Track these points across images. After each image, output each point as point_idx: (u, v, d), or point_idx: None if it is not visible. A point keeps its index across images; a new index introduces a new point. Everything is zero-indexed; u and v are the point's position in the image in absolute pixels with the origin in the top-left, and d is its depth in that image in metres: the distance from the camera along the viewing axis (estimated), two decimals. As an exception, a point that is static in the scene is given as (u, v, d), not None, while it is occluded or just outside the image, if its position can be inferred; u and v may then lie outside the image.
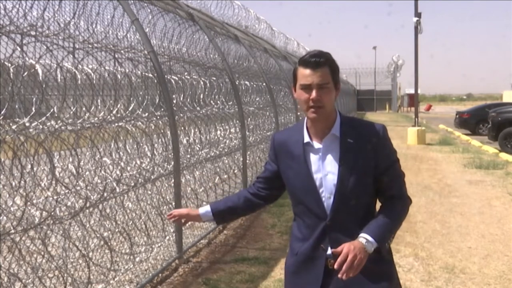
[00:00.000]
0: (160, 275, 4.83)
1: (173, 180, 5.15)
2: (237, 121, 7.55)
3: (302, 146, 2.17)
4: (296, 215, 2.29)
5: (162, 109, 5.10)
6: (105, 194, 3.96)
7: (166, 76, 5.22)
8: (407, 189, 2.26)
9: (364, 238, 2.02)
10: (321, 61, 2.07)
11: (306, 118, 2.19)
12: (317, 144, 2.15)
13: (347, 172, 2.08)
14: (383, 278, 2.15)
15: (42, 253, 3.46)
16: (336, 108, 2.22)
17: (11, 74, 3.23)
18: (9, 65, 3.22)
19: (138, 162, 4.54)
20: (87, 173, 4.08)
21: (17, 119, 3.24)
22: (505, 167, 11.83)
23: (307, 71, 2.08)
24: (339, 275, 1.93)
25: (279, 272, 4.94)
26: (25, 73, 3.34)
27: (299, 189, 2.18)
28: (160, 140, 5.11)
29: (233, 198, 2.48)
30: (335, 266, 1.94)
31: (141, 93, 4.85)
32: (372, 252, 2.04)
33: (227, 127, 7.16)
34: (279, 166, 2.27)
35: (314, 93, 2.06)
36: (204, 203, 6.20)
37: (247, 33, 10.66)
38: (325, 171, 2.12)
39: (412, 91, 41.05)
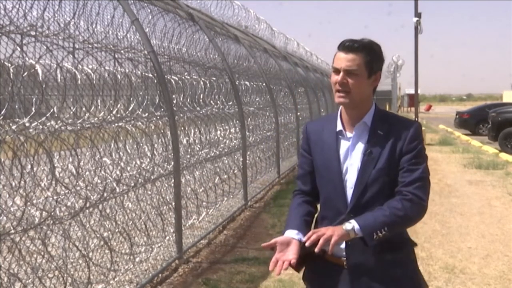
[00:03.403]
0: (160, 275, 4.82)
1: (173, 180, 5.15)
2: (237, 121, 7.54)
3: (335, 134, 2.14)
4: (321, 209, 2.23)
5: (162, 109, 5.09)
6: (105, 194, 3.96)
7: (166, 76, 5.22)
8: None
9: (349, 222, 1.98)
10: (354, 46, 2.01)
11: (340, 107, 2.16)
12: (349, 133, 2.12)
13: (370, 163, 2.04)
14: (389, 283, 2.10)
15: (42, 253, 3.46)
16: (373, 100, 2.15)
17: (11, 74, 3.22)
18: (9, 65, 3.22)
19: (138, 162, 4.53)
20: (87, 173, 4.08)
21: (17, 119, 3.24)
22: (505, 167, 11.83)
23: (340, 54, 2.05)
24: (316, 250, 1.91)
25: (279, 272, 4.93)
26: (25, 73, 3.34)
27: (326, 178, 2.15)
28: (160, 140, 5.11)
29: (300, 210, 2.22)
30: (307, 244, 1.95)
31: (141, 93, 4.85)
32: (390, 255, 2.04)
33: (227, 127, 7.16)
34: (313, 156, 2.21)
35: (339, 77, 2.03)
36: (204, 203, 6.21)
37: (247, 33, 10.66)
38: (351, 160, 2.09)
39: (412, 91, 41.05)
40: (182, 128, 5.70)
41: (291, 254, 2.00)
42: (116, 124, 4.28)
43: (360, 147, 2.08)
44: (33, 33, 3.41)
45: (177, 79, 5.64)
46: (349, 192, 2.08)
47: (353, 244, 2.03)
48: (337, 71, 2.05)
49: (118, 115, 4.27)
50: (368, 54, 2.04)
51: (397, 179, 2.05)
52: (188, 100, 5.86)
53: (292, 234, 2.07)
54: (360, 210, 2.04)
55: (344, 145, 2.12)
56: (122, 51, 4.63)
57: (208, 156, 6.31)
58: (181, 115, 5.64)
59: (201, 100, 6.22)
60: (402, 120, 2.15)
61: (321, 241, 1.91)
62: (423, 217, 2.09)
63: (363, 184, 2.05)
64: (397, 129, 2.08)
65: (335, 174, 2.10)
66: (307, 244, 1.96)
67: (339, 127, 2.14)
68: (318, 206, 2.29)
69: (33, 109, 3.32)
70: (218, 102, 6.82)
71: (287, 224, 2.16)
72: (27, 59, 3.34)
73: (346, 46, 2.03)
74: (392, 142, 2.05)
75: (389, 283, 2.09)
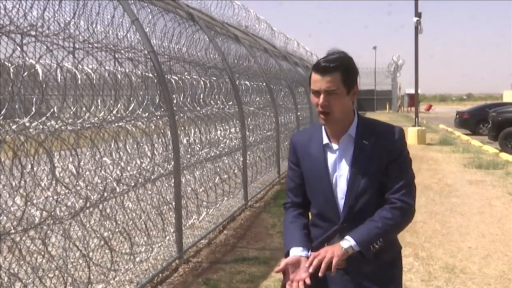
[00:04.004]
0: (160, 275, 4.82)
1: (173, 180, 5.15)
2: (237, 121, 7.54)
3: (321, 147, 2.17)
4: (312, 218, 2.27)
5: (162, 109, 5.10)
6: (105, 194, 3.96)
7: (166, 76, 5.22)
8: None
9: (345, 239, 2.03)
10: (330, 66, 2.03)
11: None
12: (335, 145, 2.16)
13: (359, 173, 2.09)
14: (389, 283, 2.15)
15: (42, 253, 3.46)
16: (354, 110, 2.18)
17: (11, 74, 3.23)
18: (9, 65, 3.22)
19: (138, 162, 4.54)
20: (87, 173, 4.09)
21: (17, 119, 3.24)
22: (505, 167, 11.82)
23: (317, 77, 2.06)
24: (320, 274, 1.97)
25: (279, 272, 4.93)
26: (25, 73, 3.34)
27: (317, 190, 2.19)
28: (160, 140, 5.12)
29: (298, 225, 2.24)
30: (311, 269, 1.99)
31: (141, 93, 4.85)
32: (387, 256, 2.12)
33: (227, 127, 7.16)
34: (301, 168, 2.25)
35: (321, 99, 2.05)
36: (204, 203, 6.21)
37: (247, 33, 10.66)
38: (340, 171, 2.13)
39: (412, 91, 41.00)
40: (182, 128, 5.71)
41: (303, 272, 2.04)
42: (116, 124, 4.28)
43: (347, 158, 2.13)
44: (33, 33, 3.41)
45: (177, 79, 5.64)
46: (340, 202, 2.12)
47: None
48: (317, 93, 2.07)
49: (118, 115, 4.27)
50: (344, 70, 2.06)
51: (385, 185, 2.11)
52: (188, 100, 5.86)
53: (298, 252, 2.10)
54: (352, 219, 2.09)
55: (331, 157, 2.16)
56: (122, 51, 4.63)
57: (208, 156, 6.31)
58: (181, 115, 5.64)
59: (201, 100, 6.22)
60: (385, 127, 2.19)
61: (323, 266, 1.96)
62: (413, 218, 2.17)
63: (353, 195, 2.09)
64: (381, 137, 2.13)
65: (326, 186, 2.14)
66: (310, 270, 1.99)
67: (325, 140, 2.17)
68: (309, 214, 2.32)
69: (33, 109, 3.32)
70: (218, 102, 6.82)
71: (289, 241, 2.18)
72: (27, 59, 3.34)
73: (322, 67, 2.04)
74: (377, 151, 2.10)
75: (390, 283, 2.13)
